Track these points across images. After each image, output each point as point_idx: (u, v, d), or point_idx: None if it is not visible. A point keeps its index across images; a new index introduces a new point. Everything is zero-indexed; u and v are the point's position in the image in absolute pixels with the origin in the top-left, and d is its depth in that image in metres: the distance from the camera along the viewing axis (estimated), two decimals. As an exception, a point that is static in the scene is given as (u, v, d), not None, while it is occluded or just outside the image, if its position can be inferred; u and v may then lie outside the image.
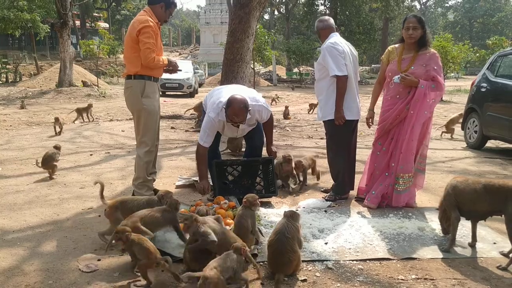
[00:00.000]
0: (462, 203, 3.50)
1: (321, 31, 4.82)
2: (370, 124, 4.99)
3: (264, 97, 5.16)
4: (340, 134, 4.79)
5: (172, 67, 4.83)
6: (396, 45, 4.73)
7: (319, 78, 4.81)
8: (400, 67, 4.54)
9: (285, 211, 3.25)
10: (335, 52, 4.56)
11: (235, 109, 4.28)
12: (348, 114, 4.68)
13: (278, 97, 19.53)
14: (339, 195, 4.92)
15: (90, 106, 12.12)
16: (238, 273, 2.83)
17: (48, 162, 5.76)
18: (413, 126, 4.45)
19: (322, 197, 4.95)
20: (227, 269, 2.74)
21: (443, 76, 4.57)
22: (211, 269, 2.65)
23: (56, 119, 9.39)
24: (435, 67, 4.43)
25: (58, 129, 9.46)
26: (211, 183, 4.87)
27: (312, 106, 14.18)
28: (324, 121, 4.87)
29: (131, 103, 4.71)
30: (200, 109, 11.63)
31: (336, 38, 4.71)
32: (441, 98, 4.65)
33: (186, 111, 12.92)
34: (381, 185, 4.69)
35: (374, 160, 4.82)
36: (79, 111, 11.80)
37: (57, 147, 6.09)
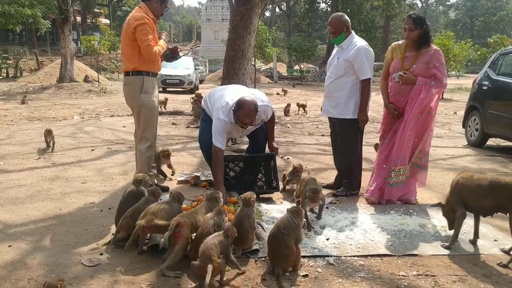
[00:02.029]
0: (467, 199, 3.49)
1: (347, 25, 4.76)
2: (397, 110, 4.70)
3: (267, 94, 5.16)
4: (356, 132, 4.88)
5: (174, 50, 4.89)
6: (400, 42, 4.75)
7: (342, 75, 4.75)
8: (402, 65, 4.57)
9: (288, 208, 3.25)
10: (371, 56, 4.71)
11: (246, 111, 4.26)
12: None
13: (286, 91, 19.75)
14: (351, 190, 4.97)
15: (166, 100, 13.08)
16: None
17: None
18: (406, 121, 4.51)
19: (332, 193, 4.97)
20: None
21: (445, 72, 4.58)
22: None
23: (49, 132, 7.32)
24: (437, 64, 4.44)
25: (51, 144, 7.38)
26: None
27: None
28: (340, 119, 4.85)
29: (130, 99, 4.73)
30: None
31: (363, 41, 4.80)
32: (441, 95, 4.63)
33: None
34: (379, 177, 4.76)
35: (379, 155, 4.89)
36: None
37: None
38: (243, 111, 4.26)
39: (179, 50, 5.10)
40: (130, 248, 3.30)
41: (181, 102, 16.51)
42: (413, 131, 4.51)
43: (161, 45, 4.65)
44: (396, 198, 4.68)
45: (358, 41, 4.75)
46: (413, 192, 4.76)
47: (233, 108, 4.34)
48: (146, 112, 4.64)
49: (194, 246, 3.13)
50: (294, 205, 3.57)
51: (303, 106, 13.54)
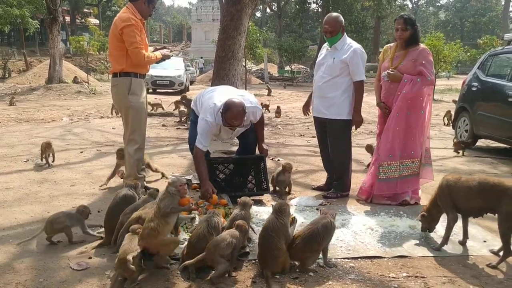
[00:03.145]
0: (457, 201, 3.49)
1: (343, 26, 4.77)
2: (388, 109, 4.84)
3: (256, 94, 5.14)
4: (348, 133, 4.92)
5: (166, 57, 4.87)
6: (391, 44, 4.88)
7: (337, 75, 4.73)
8: (392, 64, 4.68)
9: (273, 205, 3.25)
10: (365, 58, 4.76)
11: (234, 113, 4.25)
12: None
13: (270, 90, 19.68)
14: (341, 192, 4.97)
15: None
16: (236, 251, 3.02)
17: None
18: (392, 117, 4.60)
19: (323, 195, 4.98)
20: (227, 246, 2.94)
21: (433, 70, 4.64)
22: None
23: (48, 145, 6.20)
24: (423, 62, 4.52)
25: (50, 159, 6.31)
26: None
27: None
28: (335, 119, 4.82)
29: (118, 100, 4.71)
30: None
31: (356, 43, 4.84)
32: (430, 93, 4.66)
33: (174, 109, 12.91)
34: (370, 175, 4.85)
35: (373, 154, 4.98)
36: (177, 104, 12.60)
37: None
38: (231, 113, 4.25)
39: (169, 51, 5.07)
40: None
41: (172, 103, 16.44)
42: (402, 128, 4.57)
43: (155, 55, 4.63)
44: (386, 195, 4.70)
45: (353, 43, 4.79)
46: (408, 192, 4.76)
47: (220, 110, 4.32)
48: (134, 114, 4.61)
49: (188, 248, 3.11)
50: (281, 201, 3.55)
51: (267, 106, 13.76)
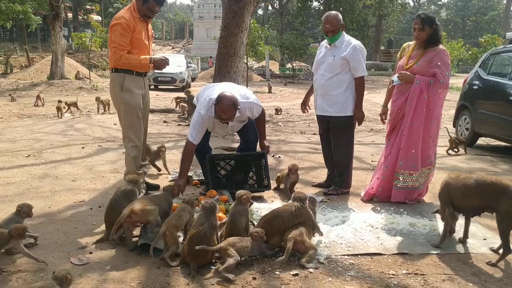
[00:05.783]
0: (455, 199, 3.51)
1: (343, 24, 4.76)
2: (384, 120, 5.06)
3: (257, 92, 5.13)
4: (351, 129, 4.93)
5: (158, 65, 4.61)
6: (410, 42, 4.81)
7: (338, 73, 4.74)
8: (407, 63, 4.58)
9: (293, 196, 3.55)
10: (365, 54, 4.78)
11: (224, 106, 4.25)
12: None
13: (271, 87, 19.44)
14: (342, 188, 4.97)
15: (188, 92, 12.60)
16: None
17: None
18: (411, 123, 4.48)
19: (324, 191, 4.98)
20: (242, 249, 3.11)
21: (448, 73, 4.49)
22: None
23: None
24: (439, 63, 4.38)
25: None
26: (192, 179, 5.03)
27: None
28: (338, 117, 4.83)
29: (112, 96, 4.62)
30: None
31: (354, 39, 4.84)
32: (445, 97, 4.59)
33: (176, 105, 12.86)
34: (378, 179, 4.79)
35: (381, 156, 4.95)
36: (178, 100, 12.71)
37: None
38: (221, 106, 4.25)
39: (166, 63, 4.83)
40: (120, 246, 3.36)
41: (173, 100, 16.44)
42: (420, 137, 4.50)
43: (139, 59, 4.43)
44: (402, 200, 4.67)
45: (351, 39, 4.80)
46: (414, 194, 4.72)
47: (213, 102, 4.34)
48: (125, 111, 4.50)
49: (188, 246, 3.11)
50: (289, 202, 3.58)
51: (278, 110, 13.43)
